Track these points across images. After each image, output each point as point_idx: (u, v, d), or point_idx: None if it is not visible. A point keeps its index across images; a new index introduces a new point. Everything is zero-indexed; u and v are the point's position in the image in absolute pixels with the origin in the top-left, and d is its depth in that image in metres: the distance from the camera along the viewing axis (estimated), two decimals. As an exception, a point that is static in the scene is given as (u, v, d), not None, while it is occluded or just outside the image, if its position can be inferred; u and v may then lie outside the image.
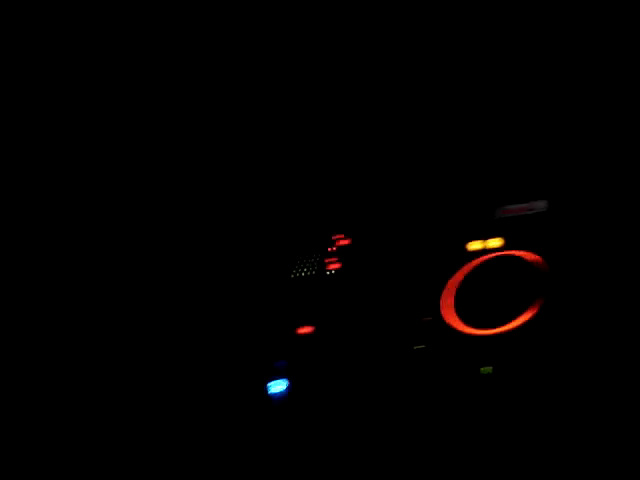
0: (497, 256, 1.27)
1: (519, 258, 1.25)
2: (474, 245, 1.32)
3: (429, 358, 1.21)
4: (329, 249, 1.48)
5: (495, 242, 1.31)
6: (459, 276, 1.28)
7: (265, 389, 1.32)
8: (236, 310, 1.44)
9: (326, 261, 1.46)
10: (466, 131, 1.47)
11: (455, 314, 1.23)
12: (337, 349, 1.32)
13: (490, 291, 1.23)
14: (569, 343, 1.11)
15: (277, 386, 1.32)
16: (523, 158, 1.41)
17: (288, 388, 1.31)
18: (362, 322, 1.33)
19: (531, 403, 1.09)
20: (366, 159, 1.54)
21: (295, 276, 1.46)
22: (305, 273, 1.46)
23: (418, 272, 1.35)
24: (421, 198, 1.46)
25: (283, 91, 1.58)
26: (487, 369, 1.15)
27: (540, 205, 1.33)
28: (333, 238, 1.49)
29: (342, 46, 1.53)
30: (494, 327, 1.18)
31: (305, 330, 1.37)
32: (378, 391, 1.21)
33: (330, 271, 1.44)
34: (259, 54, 1.57)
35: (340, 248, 1.47)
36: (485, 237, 1.33)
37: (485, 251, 1.30)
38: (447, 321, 1.23)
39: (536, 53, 1.43)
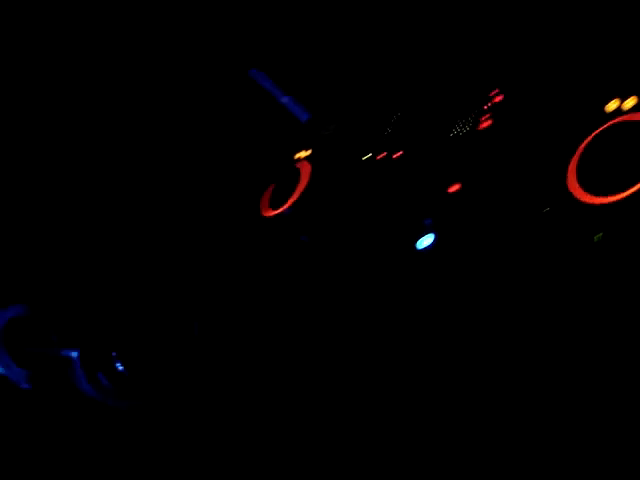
0: (624, 120, 1.28)
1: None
2: (611, 105, 1.33)
3: (549, 222, 1.29)
4: (483, 106, 1.54)
5: (630, 101, 1.31)
6: (588, 140, 1.31)
7: (414, 244, 1.47)
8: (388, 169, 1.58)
9: (479, 118, 1.53)
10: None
11: (576, 179, 1.28)
12: (480, 207, 1.42)
13: (610, 158, 1.25)
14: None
15: (425, 241, 1.47)
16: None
17: (434, 243, 1.45)
18: (501, 182, 1.41)
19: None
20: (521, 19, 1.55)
21: (451, 134, 1.56)
22: (458, 131, 1.54)
23: (557, 132, 1.39)
24: (571, 56, 1.46)
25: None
26: (598, 236, 1.21)
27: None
28: (488, 95, 1.55)
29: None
30: (608, 195, 1.22)
31: (454, 188, 1.48)
32: (498, 249, 1.32)
33: (482, 129, 1.51)
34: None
35: (494, 105, 1.53)
36: (624, 95, 1.33)
37: (619, 112, 1.31)
38: (569, 186, 1.29)
39: None
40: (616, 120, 1.29)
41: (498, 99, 1.53)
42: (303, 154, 1.78)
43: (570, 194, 1.27)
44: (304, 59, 1.83)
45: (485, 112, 1.53)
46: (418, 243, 1.47)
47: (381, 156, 1.64)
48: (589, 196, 1.25)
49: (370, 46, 1.76)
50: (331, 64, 1.81)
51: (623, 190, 1.21)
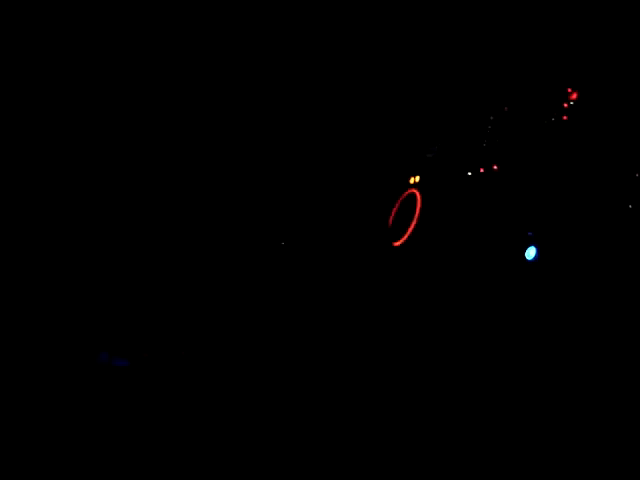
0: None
1: None
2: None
3: None
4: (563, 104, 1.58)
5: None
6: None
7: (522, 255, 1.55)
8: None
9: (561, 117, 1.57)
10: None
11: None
12: (574, 214, 1.48)
13: None
14: None
15: (531, 252, 1.54)
16: None
17: (537, 254, 1.52)
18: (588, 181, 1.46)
19: None
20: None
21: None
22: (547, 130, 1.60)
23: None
24: None
25: None
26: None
27: None
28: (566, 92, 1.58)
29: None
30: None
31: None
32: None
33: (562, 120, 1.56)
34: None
35: (570, 104, 1.56)
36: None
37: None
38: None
39: None
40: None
41: (574, 96, 1.56)
42: (415, 179, 1.89)
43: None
44: (394, 87, 1.92)
45: (565, 110, 1.57)
46: (527, 254, 1.54)
47: (483, 169, 1.72)
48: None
49: (450, 64, 1.83)
50: (419, 87, 1.90)
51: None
